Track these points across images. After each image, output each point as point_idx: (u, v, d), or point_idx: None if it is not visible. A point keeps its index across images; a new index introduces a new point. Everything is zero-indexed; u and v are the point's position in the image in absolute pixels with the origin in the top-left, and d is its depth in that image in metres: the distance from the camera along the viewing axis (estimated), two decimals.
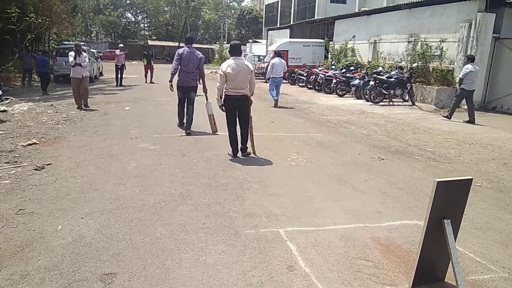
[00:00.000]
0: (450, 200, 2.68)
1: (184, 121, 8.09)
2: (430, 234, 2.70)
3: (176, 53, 7.92)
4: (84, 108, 10.34)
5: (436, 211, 2.65)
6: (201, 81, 8.13)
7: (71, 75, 10.30)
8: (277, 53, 13.60)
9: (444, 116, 11.23)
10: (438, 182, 2.59)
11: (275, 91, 12.66)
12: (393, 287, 2.82)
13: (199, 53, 8.02)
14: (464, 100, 11.10)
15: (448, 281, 2.88)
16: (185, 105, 8.06)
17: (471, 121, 10.48)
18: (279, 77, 12.59)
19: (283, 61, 12.99)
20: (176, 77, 7.90)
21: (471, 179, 2.76)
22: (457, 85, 11.46)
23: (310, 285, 2.79)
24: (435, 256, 2.78)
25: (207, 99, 8.07)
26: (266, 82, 18.45)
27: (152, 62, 19.84)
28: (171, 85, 8.03)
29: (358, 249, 3.36)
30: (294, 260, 3.12)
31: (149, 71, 19.49)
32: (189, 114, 7.99)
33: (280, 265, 3.04)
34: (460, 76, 10.72)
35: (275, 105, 12.50)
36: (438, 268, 2.87)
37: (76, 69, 10.17)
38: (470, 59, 10.73)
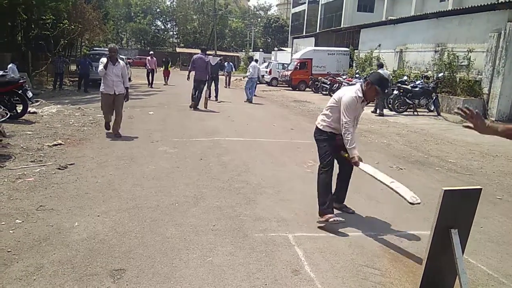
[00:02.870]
0: (457, 209, 2.64)
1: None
2: (437, 243, 2.66)
3: (192, 58, 12.38)
4: (115, 135, 7.60)
5: (443, 220, 2.61)
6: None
7: (101, 89, 7.64)
8: (252, 58, 18.21)
9: (377, 114, 13.04)
10: (445, 190, 2.56)
11: (250, 90, 15.36)
12: None
13: (207, 57, 12.26)
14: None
15: None
16: (197, 92, 12.13)
17: (381, 113, 13.01)
18: (255, 78, 15.56)
19: (257, 65, 16.22)
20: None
21: (480, 188, 2.71)
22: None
23: None
24: (442, 267, 2.74)
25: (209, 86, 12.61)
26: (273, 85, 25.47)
27: (169, 67, 23.03)
28: (188, 77, 12.61)
29: (366, 257, 3.34)
30: (300, 264, 3.14)
31: (166, 74, 22.46)
32: (198, 97, 12.14)
33: (285, 269, 3.06)
34: None
35: (250, 101, 15.09)
36: (446, 279, 2.82)
37: (108, 81, 7.44)
38: (380, 66, 13.63)
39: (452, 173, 6.33)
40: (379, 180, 3.68)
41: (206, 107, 12.27)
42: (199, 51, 12.91)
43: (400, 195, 3.48)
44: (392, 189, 3.56)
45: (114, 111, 7.67)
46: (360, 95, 3.81)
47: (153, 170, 5.55)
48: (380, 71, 12.92)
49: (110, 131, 7.76)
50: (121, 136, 7.59)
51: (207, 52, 13.20)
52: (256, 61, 19.28)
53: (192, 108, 12.06)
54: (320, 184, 3.96)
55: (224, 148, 7.10)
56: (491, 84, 13.00)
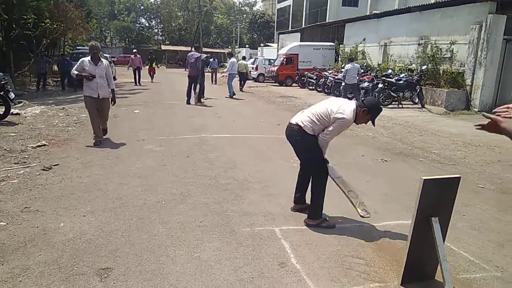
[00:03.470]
0: (437, 198, 2.71)
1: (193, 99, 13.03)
2: (418, 232, 2.72)
3: (187, 56, 13.64)
4: (102, 139, 7.01)
5: (423, 209, 2.68)
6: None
7: (83, 92, 6.84)
8: (231, 54, 18.33)
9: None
10: (424, 180, 2.62)
11: (233, 85, 15.85)
12: (382, 284, 2.85)
13: (198, 54, 13.03)
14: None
15: (438, 279, 2.89)
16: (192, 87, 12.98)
17: None
18: (233, 73, 16.15)
19: (235, 61, 16.71)
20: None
21: (459, 177, 2.78)
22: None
23: (300, 281, 2.85)
24: (424, 254, 2.80)
25: (200, 83, 12.92)
26: (260, 81, 25.77)
27: (154, 65, 23.07)
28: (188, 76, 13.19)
29: (351, 247, 3.40)
30: (286, 257, 3.18)
31: (152, 72, 22.50)
32: (197, 92, 12.90)
33: (272, 261, 3.10)
34: (342, 74, 14.59)
35: (230, 96, 15.56)
36: (428, 265, 2.89)
37: (91, 83, 6.64)
38: (350, 60, 14.70)
39: (435, 163, 6.45)
40: (338, 186, 3.85)
41: (196, 102, 12.87)
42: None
43: (353, 205, 3.74)
44: (348, 197, 3.80)
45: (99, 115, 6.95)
46: (354, 119, 3.59)
47: (139, 168, 5.53)
48: (350, 64, 13.74)
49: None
50: (106, 133, 7.33)
51: (193, 50, 13.90)
52: (244, 58, 20.40)
53: (195, 103, 12.85)
54: (321, 190, 3.78)
55: (211, 145, 7.11)
56: (474, 75, 13.21)
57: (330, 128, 3.61)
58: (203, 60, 13.56)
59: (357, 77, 14.37)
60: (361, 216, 3.63)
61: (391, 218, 4.07)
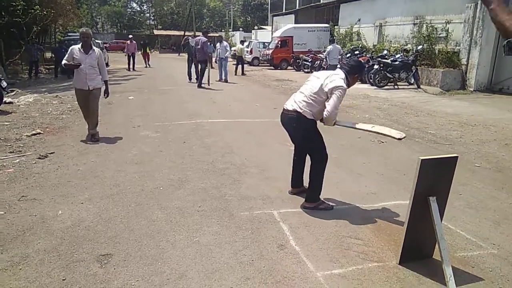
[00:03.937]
0: (435, 177, 2.71)
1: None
2: (416, 211, 2.74)
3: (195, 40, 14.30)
4: (91, 139, 6.15)
5: (421, 189, 2.68)
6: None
7: (72, 83, 6.41)
8: (221, 37, 17.46)
9: None
10: (422, 160, 2.62)
11: (223, 69, 15.62)
12: (380, 264, 2.88)
13: (205, 39, 13.27)
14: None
15: (436, 258, 2.93)
16: (199, 70, 13.47)
17: None
18: (223, 57, 15.62)
19: (225, 43, 16.29)
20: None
21: (457, 156, 2.78)
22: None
23: (299, 262, 2.87)
24: (422, 233, 2.82)
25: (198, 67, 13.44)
26: (255, 65, 25.25)
27: (148, 50, 23.41)
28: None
29: (350, 228, 3.42)
30: (285, 239, 3.20)
31: (146, 57, 22.92)
32: (201, 77, 13.36)
33: (271, 244, 3.12)
34: (324, 54, 15.09)
35: (225, 80, 15.39)
36: (426, 245, 2.92)
37: (80, 75, 6.03)
38: (331, 41, 15.76)
39: (432, 144, 6.47)
40: (361, 129, 3.78)
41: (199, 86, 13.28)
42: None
43: (386, 135, 3.52)
44: (376, 132, 3.62)
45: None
46: (347, 86, 3.60)
47: (136, 155, 5.51)
48: (331, 46, 14.27)
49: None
50: (98, 140, 6.16)
51: (186, 34, 13.80)
52: (242, 42, 20.35)
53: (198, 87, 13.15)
54: (320, 174, 3.77)
55: (207, 130, 7.08)
56: (469, 54, 13.14)
57: (332, 100, 3.50)
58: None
59: (339, 58, 14.64)
60: (398, 139, 3.39)
61: (389, 199, 4.10)
